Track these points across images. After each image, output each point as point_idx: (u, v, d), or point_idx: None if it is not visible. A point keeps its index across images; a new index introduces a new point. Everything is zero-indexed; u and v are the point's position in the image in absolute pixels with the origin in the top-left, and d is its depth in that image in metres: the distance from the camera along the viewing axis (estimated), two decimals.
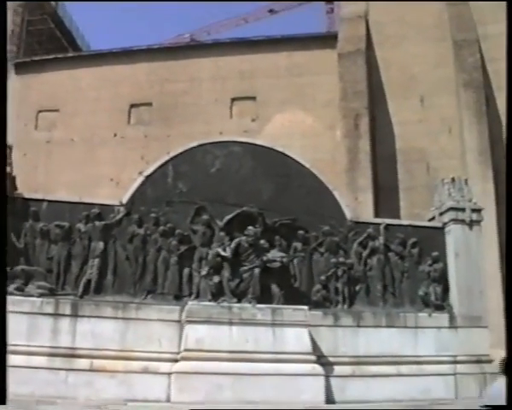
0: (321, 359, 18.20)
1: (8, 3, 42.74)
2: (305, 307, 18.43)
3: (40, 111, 40.33)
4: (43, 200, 19.55)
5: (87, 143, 37.85)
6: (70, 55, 42.69)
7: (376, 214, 30.01)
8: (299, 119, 35.03)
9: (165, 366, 17.53)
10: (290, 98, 35.58)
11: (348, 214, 20.75)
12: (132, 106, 38.57)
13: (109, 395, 16.85)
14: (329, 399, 17.50)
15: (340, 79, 34.98)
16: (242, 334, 17.77)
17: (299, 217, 19.89)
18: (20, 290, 18.26)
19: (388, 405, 17.21)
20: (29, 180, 29.27)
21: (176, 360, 17.59)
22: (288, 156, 20.91)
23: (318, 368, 17.72)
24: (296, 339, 17.91)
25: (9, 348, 17.28)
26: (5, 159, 16.77)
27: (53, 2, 46.21)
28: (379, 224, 21.04)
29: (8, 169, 18.90)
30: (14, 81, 41.26)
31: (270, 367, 17.25)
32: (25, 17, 43.38)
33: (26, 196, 19.63)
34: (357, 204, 30.61)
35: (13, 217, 18.80)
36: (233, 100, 36.93)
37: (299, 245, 19.89)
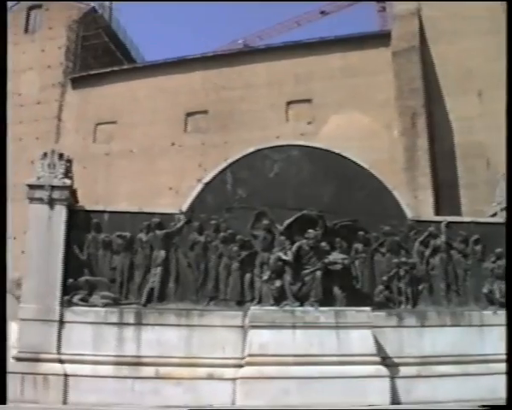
0: (386, 360, 18.04)
1: (64, 21, 43.73)
2: (368, 309, 18.29)
3: (98, 124, 40.93)
4: (104, 211, 19.90)
5: (145, 154, 38.25)
6: (125, 67, 43.19)
7: (437, 212, 29.66)
8: (355, 119, 34.79)
9: (229, 372, 17.63)
10: (346, 99, 35.38)
11: (409, 213, 20.53)
12: (189, 114, 38.83)
13: (175, 402, 17.00)
14: (395, 400, 17.33)
15: (395, 78, 34.72)
16: (306, 337, 17.75)
17: (360, 218, 19.76)
18: (85, 301, 18.67)
19: (456, 405, 16.97)
20: (89, 192, 29.68)
21: (240, 366, 17.65)
22: (346, 158, 20.80)
23: (383, 370, 17.57)
24: (360, 341, 17.78)
25: (75, 357, 17.77)
26: (5, 158, 16.89)
27: (107, 17, 46.85)
28: (440, 222, 20.76)
29: (69, 182, 19.34)
30: (71, 96, 42.07)
31: (335, 370, 17.16)
32: (79, 33, 44.10)
33: (88, 208, 20.02)
34: (417, 203, 30.31)
35: (75, 229, 19.26)
36: (289, 103, 36.89)
37: (360, 246, 19.77)
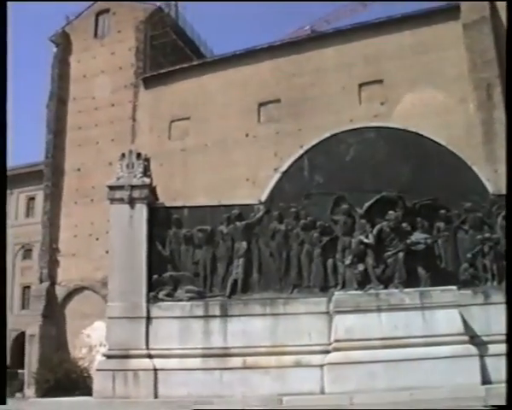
0: (474, 339, 17.77)
1: (132, 23, 44.37)
2: (454, 288, 18.10)
3: (172, 121, 41.38)
4: (183, 207, 20.29)
5: (220, 147, 38.50)
6: (195, 63, 43.49)
7: None
8: (429, 97, 34.25)
9: (316, 359, 17.74)
10: (418, 77, 34.84)
11: (490, 188, 20.14)
12: (261, 104, 38.87)
13: (264, 391, 17.23)
14: (485, 379, 17.05)
15: (467, 51, 34.06)
16: (391, 320, 17.70)
17: (440, 196, 19.52)
18: (170, 296, 19.08)
19: None
20: (167, 189, 30.12)
21: (327, 352, 17.76)
22: (423, 136, 20.56)
23: (472, 348, 17.34)
24: (447, 321, 17.60)
25: (163, 352, 18.11)
26: (5, 158, 16.92)
27: (173, 15, 47.29)
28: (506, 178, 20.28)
29: (148, 181, 19.71)
30: (144, 96, 42.67)
31: (422, 351, 17.09)
32: (147, 33, 44.65)
33: (168, 204, 20.43)
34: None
35: (156, 226, 19.64)
36: (360, 86, 36.52)
37: (441, 225, 19.50)
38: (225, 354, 18.27)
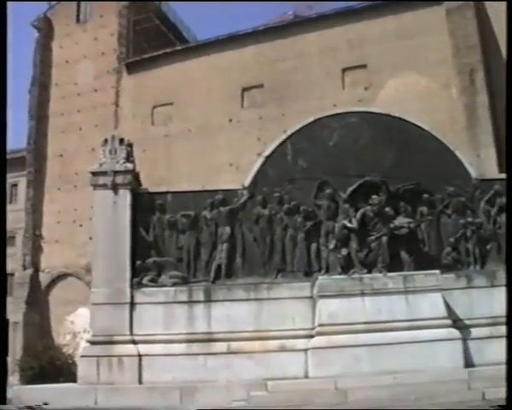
0: (457, 322, 17.82)
1: (114, 8, 44.13)
2: (437, 272, 18.14)
3: (155, 106, 41.35)
4: (167, 192, 20.24)
5: (204, 132, 38.50)
6: (178, 48, 43.42)
7: (501, 170, 29.16)
8: (412, 81, 34.34)
9: (300, 343, 17.78)
10: (402, 62, 34.92)
11: (473, 173, 20.19)
12: (244, 89, 38.88)
13: (248, 376, 17.19)
14: (468, 363, 17.16)
15: (450, 36, 34.20)
16: (375, 304, 17.74)
17: (423, 181, 19.55)
18: (154, 282, 19.05)
19: None
20: (151, 175, 30.09)
21: (311, 336, 17.79)
22: (406, 121, 20.56)
23: (455, 332, 17.40)
24: (430, 305, 17.66)
25: (148, 337, 18.14)
26: (5, 158, 17.03)
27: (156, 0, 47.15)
28: (505, 179, 20.42)
29: (131, 166, 19.64)
30: (127, 81, 42.54)
31: (405, 335, 17.14)
32: (130, 18, 44.45)
33: (151, 190, 20.37)
34: (480, 161, 29.88)
35: (140, 212, 19.58)
36: (344, 70, 36.59)
37: (424, 209, 19.55)
38: (209, 339, 18.27)
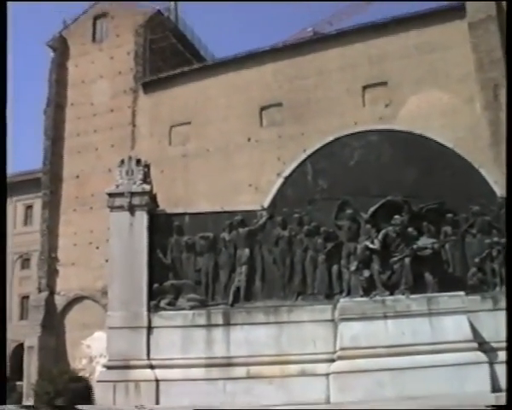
0: (483, 345, 17.70)
1: (131, 27, 44.42)
2: (462, 293, 18.05)
3: (173, 126, 41.43)
4: (185, 213, 20.31)
5: (222, 152, 38.57)
6: (195, 66, 43.55)
7: None
8: (434, 98, 34.26)
9: (321, 367, 17.72)
10: (423, 77, 34.85)
11: (498, 191, 20.05)
12: (263, 108, 38.92)
13: (268, 401, 17.18)
14: (495, 387, 16.94)
15: (473, 50, 34.09)
16: (398, 327, 17.67)
17: (447, 200, 19.46)
18: (172, 305, 19.09)
19: None
20: (168, 195, 30.19)
21: (332, 360, 17.74)
22: (428, 138, 20.56)
23: (481, 356, 17.27)
24: (455, 327, 17.56)
25: (165, 362, 18.12)
26: (5, 157, 17.01)
27: (173, 19, 47.36)
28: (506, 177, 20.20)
29: (148, 188, 19.73)
30: (144, 101, 42.74)
31: (429, 359, 17.05)
32: (147, 37, 44.69)
33: (169, 211, 20.46)
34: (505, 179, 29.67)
35: (157, 233, 19.65)
36: (364, 88, 36.54)
37: (448, 229, 19.44)
38: (228, 363, 18.27)
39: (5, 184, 16.94)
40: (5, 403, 15.09)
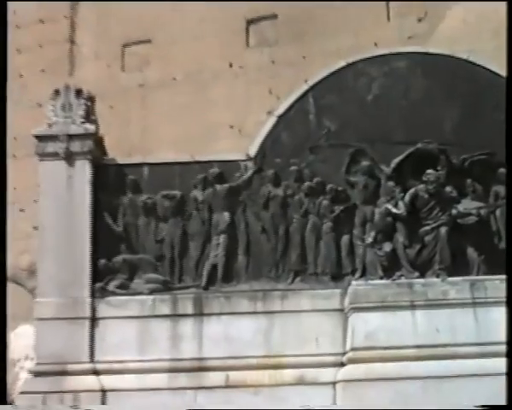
0: None
1: None
2: None
3: (126, 45, 41.18)
4: (143, 164, 20.48)
5: (194, 81, 38.41)
6: None
7: None
8: (488, 9, 34.26)
9: (326, 374, 18.07)
10: None
11: None
12: (250, 22, 38.81)
13: None
14: None
15: None
16: (431, 321, 17.90)
17: (498, 150, 19.47)
18: (124, 288, 19.27)
19: None
20: (121, 139, 30.23)
21: (341, 364, 18.07)
22: (477, 65, 20.63)
23: None
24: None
25: (115, 365, 18.34)
26: (5, 155, 17.53)
27: None
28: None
29: (92, 128, 19.78)
30: (86, 9, 42.44)
31: (473, 365, 17.29)
32: None
33: (120, 161, 20.55)
34: None
35: (105, 191, 19.77)
36: None
37: (501, 189, 19.49)
38: (201, 367, 18.57)
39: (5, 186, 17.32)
40: (5, 403, 15.57)
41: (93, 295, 19.02)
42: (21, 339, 35.56)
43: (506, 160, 18.72)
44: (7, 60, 16.22)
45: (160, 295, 19.02)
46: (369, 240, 18.96)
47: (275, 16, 38.18)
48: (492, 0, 32.29)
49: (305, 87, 20.57)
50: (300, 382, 18.04)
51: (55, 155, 19.61)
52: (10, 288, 39.90)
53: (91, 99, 20.34)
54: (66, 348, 18.63)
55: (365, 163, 19.55)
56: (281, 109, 20.49)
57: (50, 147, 19.67)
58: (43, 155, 19.85)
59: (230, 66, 38.21)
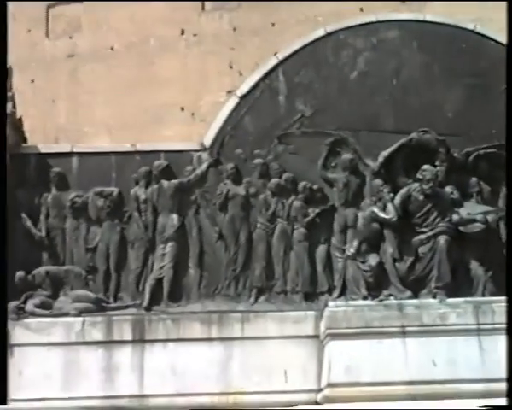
0: None
1: None
2: None
3: (51, 6, 41.18)
4: (71, 153, 20.46)
5: (136, 52, 38.44)
6: None
7: None
8: None
9: None
10: None
11: None
12: None
13: None
14: None
15: None
16: (425, 351, 17.88)
17: None
18: (47, 308, 19.18)
19: None
20: (44, 122, 30.15)
21: (315, 403, 18.10)
22: (485, 36, 20.77)
23: None
24: None
25: (33, 405, 18.22)
26: (5, 154, 17.71)
27: None
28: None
29: (9, 108, 19.65)
30: None
31: (479, 406, 17.14)
32: None
33: (44, 149, 20.38)
34: None
35: (24, 186, 19.62)
36: None
37: None
38: (142, 407, 18.58)
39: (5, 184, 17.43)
40: (5, 403, 15.64)
41: (6, 316, 18.80)
42: None
43: (506, 162, 18.85)
44: (7, 60, 16.42)
45: (92, 316, 18.91)
46: (351, 251, 18.94)
47: None
48: (492, 0, 32.62)
49: (273, 61, 20.64)
50: None
51: None
52: None
53: (7, 70, 20.23)
54: None
55: (347, 156, 19.68)
56: (244, 88, 20.56)
57: None
58: None
59: (182, 33, 38.20)
